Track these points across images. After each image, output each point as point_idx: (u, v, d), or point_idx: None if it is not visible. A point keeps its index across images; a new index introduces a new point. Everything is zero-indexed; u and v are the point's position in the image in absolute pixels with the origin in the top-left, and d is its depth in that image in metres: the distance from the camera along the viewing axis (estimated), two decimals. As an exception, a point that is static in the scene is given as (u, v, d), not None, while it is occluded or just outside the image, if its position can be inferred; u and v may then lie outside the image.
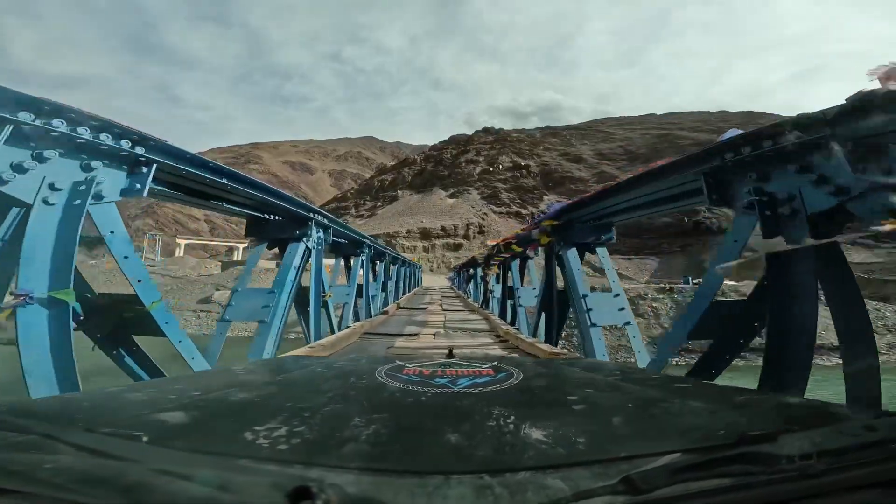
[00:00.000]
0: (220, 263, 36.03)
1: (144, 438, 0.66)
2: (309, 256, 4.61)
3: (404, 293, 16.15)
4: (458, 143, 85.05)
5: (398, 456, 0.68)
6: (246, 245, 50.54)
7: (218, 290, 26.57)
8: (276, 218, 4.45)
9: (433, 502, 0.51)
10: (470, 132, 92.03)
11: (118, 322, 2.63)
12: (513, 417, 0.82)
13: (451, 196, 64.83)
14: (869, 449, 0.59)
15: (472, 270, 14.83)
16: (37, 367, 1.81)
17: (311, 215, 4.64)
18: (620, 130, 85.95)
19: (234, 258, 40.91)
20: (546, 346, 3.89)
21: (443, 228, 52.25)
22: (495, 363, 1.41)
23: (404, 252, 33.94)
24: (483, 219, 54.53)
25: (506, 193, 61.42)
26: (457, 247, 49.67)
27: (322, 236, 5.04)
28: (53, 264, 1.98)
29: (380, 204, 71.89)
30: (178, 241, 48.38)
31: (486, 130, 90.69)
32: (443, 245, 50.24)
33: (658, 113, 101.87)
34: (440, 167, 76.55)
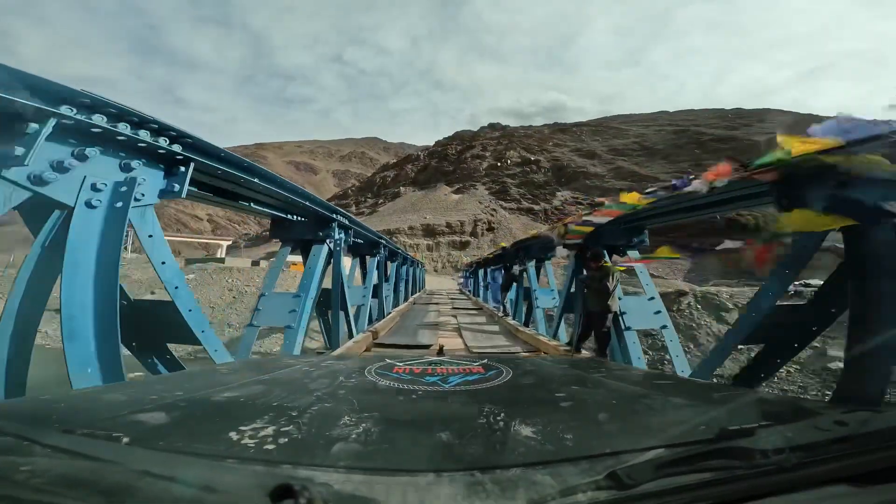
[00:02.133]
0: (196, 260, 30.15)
1: (125, 439, 0.62)
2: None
3: (396, 303, 10.09)
4: (463, 140, 79.94)
5: (389, 454, 0.66)
6: (229, 242, 45.03)
7: (153, 292, 20.09)
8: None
9: (425, 500, 0.50)
10: (475, 129, 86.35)
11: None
12: (503, 415, 0.81)
13: (457, 192, 59.54)
14: (839, 443, 0.59)
15: (517, 267, 7.96)
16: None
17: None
18: (633, 127, 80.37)
19: (218, 255, 35.42)
20: None
21: (448, 225, 46.65)
22: (485, 361, 1.37)
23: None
24: (492, 215, 49.00)
25: (515, 189, 55.90)
26: (463, 245, 44.02)
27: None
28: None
29: (381, 201, 66.67)
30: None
31: (492, 126, 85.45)
32: (448, 243, 44.62)
33: (670, 110, 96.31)
34: (444, 163, 71.37)
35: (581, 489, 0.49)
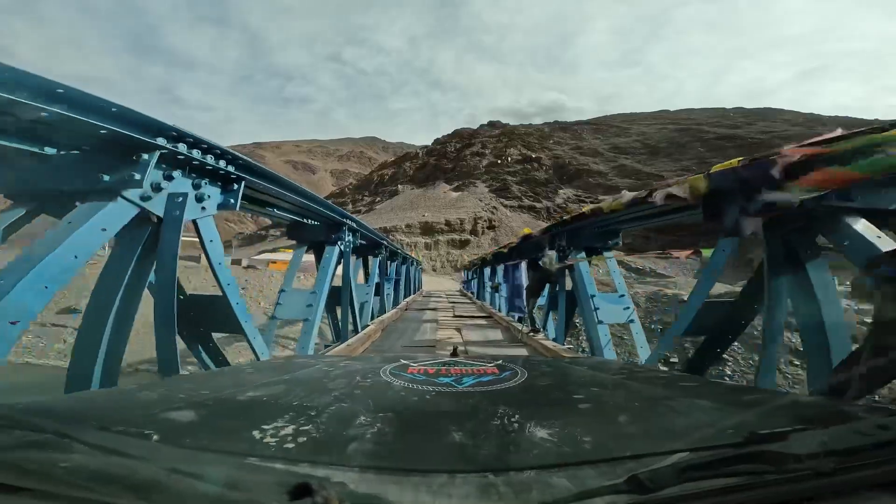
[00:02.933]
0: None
1: (155, 437, 0.64)
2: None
3: (383, 310, 7.97)
4: (462, 137, 77.74)
5: (403, 454, 0.66)
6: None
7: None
8: (313, 223, 4.69)
9: (437, 500, 0.49)
10: (474, 128, 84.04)
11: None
12: (517, 416, 0.78)
13: (456, 189, 57.51)
14: (882, 448, 0.56)
15: (550, 259, 5.37)
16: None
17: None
18: (634, 125, 79.01)
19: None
20: None
21: (447, 223, 44.66)
22: (500, 362, 1.34)
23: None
24: (493, 213, 47.09)
25: (516, 186, 53.88)
26: (463, 243, 42.05)
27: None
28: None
29: (378, 199, 64.52)
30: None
31: (492, 124, 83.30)
32: (447, 241, 42.62)
33: (671, 109, 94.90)
34: (444, 160, 69.41)
35: (599, 493, 0.47)
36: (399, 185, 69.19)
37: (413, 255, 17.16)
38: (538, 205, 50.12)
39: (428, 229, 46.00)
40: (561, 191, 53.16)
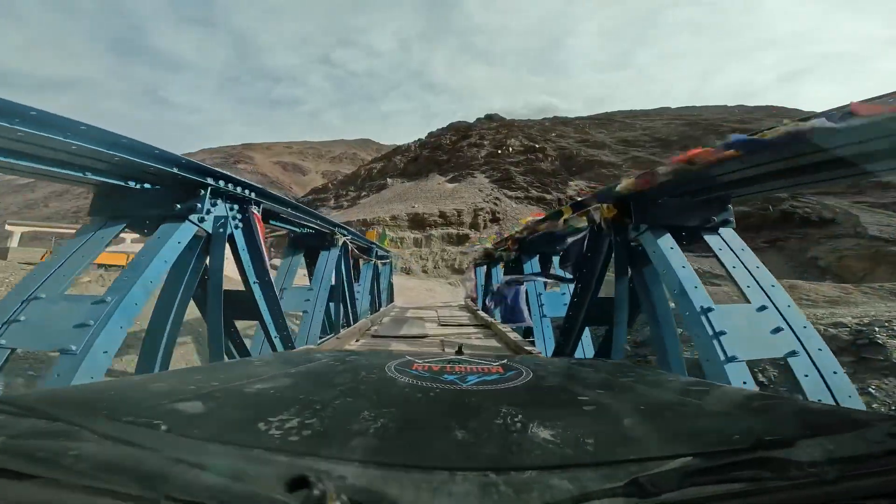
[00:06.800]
0: (49, 251, 18.23)
1: (163, 427, 0.64)
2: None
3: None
4: (458, 130, 69.21)
5: (404, 450, 0.64)
6: (136, 236, 32.66)
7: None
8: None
9: (438, 498, 0.48)
10: (470, 121, 75.47)
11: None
12: (520, 416, 0.76)
13: (452, 181, 48.91)
14: (890, 456, 0.54)
15: None
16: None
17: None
18: (638, 121, 71.43)
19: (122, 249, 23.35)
20: None
21: (442, 215, 36.07)
22: (504, 361, 1.31)
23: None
24: (496, 204, 38.45)
25: (521, 177, 45.31)
26: (461, 239, 33.46)
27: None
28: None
29: (365, 193, 55.20)
30: (8, 227, 29.04)
31: (489, 118, 75.06)
32: (442, 237, 33.94)
33: (673, 106, 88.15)
34: (438, 152, 60.66)
35: (598, 495, 0.46)
36: (388, 179, 60.30)
37: (372, 236, 8.25)
38: (548, 196, 42.23)
39: (418, 222, 37.50)
40: (571, 182, 44.91)
